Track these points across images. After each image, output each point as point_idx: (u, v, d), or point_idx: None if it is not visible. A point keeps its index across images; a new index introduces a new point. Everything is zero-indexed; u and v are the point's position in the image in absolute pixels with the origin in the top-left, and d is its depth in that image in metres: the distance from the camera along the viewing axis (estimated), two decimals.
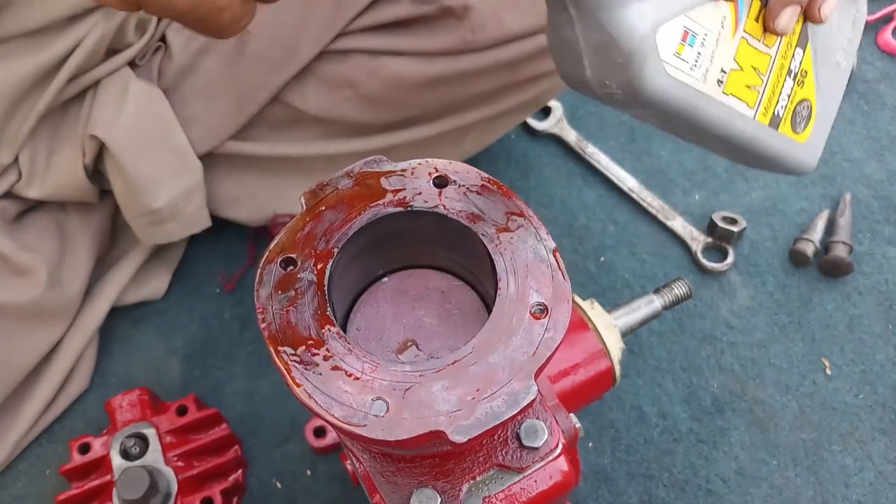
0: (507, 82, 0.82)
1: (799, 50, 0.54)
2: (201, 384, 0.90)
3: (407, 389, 0.38)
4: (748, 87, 0.51)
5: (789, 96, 0.55)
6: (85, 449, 0.78)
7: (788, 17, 0.50)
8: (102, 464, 0.78)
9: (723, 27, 0.48)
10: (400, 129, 0.85)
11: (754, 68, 0.51)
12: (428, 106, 0.83)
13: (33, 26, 0.72)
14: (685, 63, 0.47)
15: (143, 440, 0.77)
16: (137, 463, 0.76)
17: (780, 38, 0.52)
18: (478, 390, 0.38)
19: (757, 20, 0.50)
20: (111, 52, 0.79)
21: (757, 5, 0.50)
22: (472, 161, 0.91)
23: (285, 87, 0.82)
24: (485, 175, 0.46)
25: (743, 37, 0.49)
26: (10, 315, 0.80)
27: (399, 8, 0.77)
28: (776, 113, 0.54)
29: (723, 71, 0.49)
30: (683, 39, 0.46)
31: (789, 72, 0.54)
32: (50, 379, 0.86)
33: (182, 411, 0.80)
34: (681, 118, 0.51)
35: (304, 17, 0.78)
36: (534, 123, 1.06)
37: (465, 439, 0.36)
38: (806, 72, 0.55)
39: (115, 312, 0.92)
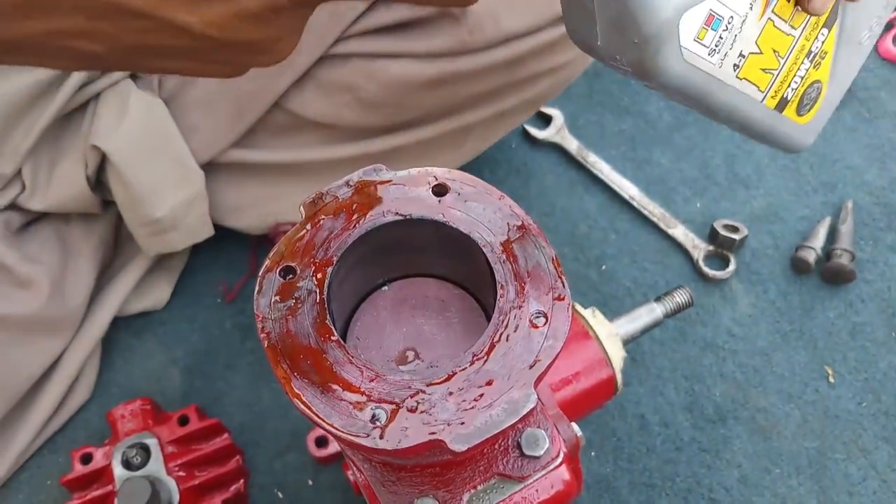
0: (505, 82, 0.83)
1: (824, 30, 0.50)
2: (203, 394, 0.90)
3: (407, 398, 0.38)
4: (763, 70, 0.48)
5: (802, 78, 0.51)
6: (87, 459, 0.78)
7: None
8: (104, 474, 0.77)
9: (751, 8, 0.45)
10: (400, 132, 0.85)
11: (774, 51, 0.48)
12: (428, 108, 0.83)
13: None
14: (704, 48, 0.44)
15: (145, 450, 0.77)
16: (139, 473, 0.76)
17: (808, 18, 0.48)
18: (477, 399, 0.38)
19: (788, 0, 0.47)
20: None
21: None
22: (474, 170, 0.91)
23: (285, 93, 0.82)
24: (484, 183, 0.46)
25: (770, 18, 0.46)
26: (13, 327, 0.80)
27: (397, 11, 0.77)
28: (785, 96, 0.51)
29: (741, 55, 0.46)
30: (707, 23, 0.43)
31: (808, 53, 0.50)
32: (53, 390, 0.86)
33: (183, 421, 0.80)
34: (688, 99, 0.48)
35: None
36: (535, 132, 1.06)
37: (465, 448, 0.36)
38: (825, 52, 0.51)
39: (117, 322, 0.92)
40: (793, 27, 0.48)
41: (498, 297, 0.41)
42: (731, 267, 0.94)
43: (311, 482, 0.84)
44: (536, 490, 0.47)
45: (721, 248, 0.95)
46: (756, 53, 0.47)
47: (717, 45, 0.45)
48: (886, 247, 0.96)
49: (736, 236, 0.93)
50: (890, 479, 0.82)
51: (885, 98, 1.09)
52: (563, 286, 0.42)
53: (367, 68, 0.79)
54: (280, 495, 0.83)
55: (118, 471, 0.76)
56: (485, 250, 0.43)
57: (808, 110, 0.54)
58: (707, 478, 0.83)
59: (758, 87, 0.49)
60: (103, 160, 0.80)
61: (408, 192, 0.45)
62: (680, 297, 0.75)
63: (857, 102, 1.08)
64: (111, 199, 0.85)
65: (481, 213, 0.44)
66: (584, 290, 0.95)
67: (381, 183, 0.46)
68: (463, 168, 0.89)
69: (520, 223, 0.44)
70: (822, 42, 0.51)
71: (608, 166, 1.03)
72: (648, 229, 0.99)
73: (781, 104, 0.51)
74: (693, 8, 0.42)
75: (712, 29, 0.44)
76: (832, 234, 0.96)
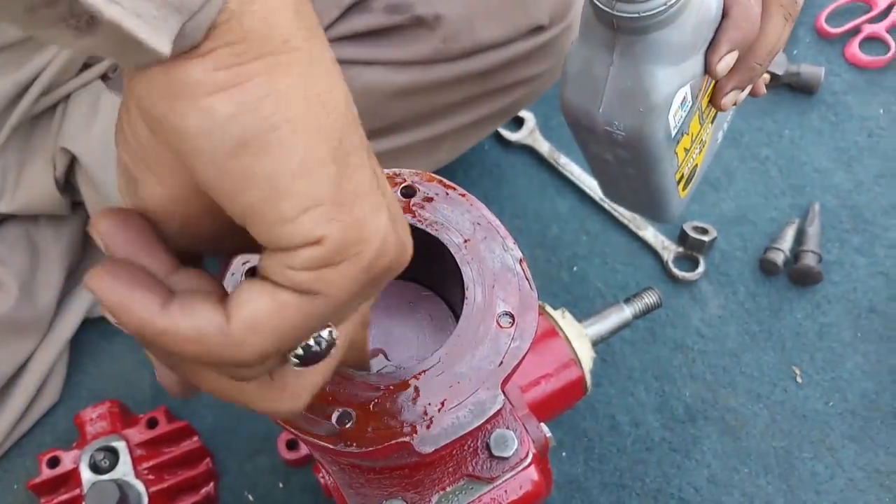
0: (479, 91, 0.83)
1: (710, 125, 0.62)
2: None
3: (373, 401, 0.38)
4: (685, 149, 0.59)
5: (693, 160, 0.63)
6: (54, 463, 0.77)
7: (733, 97, 0.57)
8: (72, 478, 0.77)
9: (695, 100, 0.55)
10: (373, 140, 0.84)
11: (692, 135, 0.59)
12: (400, 116, 0.83)
13: (12, 41, 0.72)
14: (674, 123, 0.54)
15: (113, 453, 0.76)
16: (107, 476, 0.75)
17: (709, 112, 0.60)
18: (444, 401, 0.38)
19: (704, 96, 0.57)
20: (84, 66, 0.78)
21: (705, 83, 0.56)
22: (446, 172, 0.91)
23: None
24: (452, 185, 0.46)
25: (698, 107, 0.57)
26: None
27: (371, 17, 0.77)
28: (683, 173, 0.62)
29: (681, 132, 0.56)
30: (681, 103, 0.53)
31: (700, 141, 0.62)
32: (21, 392, 0.85)
33: (153, 424, 0.79)
34: (645, 165, 0.57)
35: None
36: (507, 134, 1.06)
37: (431, 450, 0.36)
38: (705, 143, 0.64)
39: (86, 324, 0.91)
40: (703, 118, 0.59)
41: (465, 298, 0.42)
42: (701, 268, 0.95)
43: (281, 485, 0.84)
44: (505, 491, 0.48)
45: (691, 249, 0.96)
46: (686, 134, 0.58)
47: (678, 122, 0.55)
48: (852, 248, 0.98)
49: (705, 238, 0.94)
50: (856, 478, 0.83)
51: (851, 102, 1.10)
52: (531, 287, 0.42)
53: None
54: (251, 498, 0.83)
55: (86, 474, 0.75)
56: (453, 251, 0.43)
57: (686, 187, 0.65)
58: (677, 478, 0.84)
59: (678, 160, 0.59)
60: (72, 162, 0.79)
61: None
62: (648, 298, 0.76)
63: (824, 106, 1.10)
64: (80, 201, 0.84)
65: (449, 214, 0.44)
66: (555, 291, 0.95)
67: None
68: (435, 170, 0.89)
69: (487, 225, 0.44)
70: (707, 134, 0.63)
71: (579, 168, 1.04)
72: (619, 231, 1.00)
73: (680, 179, 0.62)
74: (682, 88, 0.52)
75: (681, 109, 0.54)
76: (800, 236, 0.97)
